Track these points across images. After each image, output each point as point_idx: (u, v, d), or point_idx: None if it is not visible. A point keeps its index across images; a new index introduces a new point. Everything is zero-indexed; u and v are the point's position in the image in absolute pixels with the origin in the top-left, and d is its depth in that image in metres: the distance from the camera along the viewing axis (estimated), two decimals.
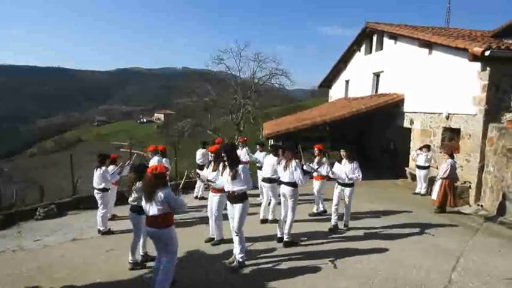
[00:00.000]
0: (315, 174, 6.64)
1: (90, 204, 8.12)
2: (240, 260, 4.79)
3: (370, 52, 14.86)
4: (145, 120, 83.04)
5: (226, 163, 4.81)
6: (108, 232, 6.60)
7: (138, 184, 4.81)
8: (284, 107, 37.65)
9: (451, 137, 9.68)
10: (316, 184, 7.28)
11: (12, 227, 7.30)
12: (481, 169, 8.31)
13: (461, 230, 6.58)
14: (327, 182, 7.21)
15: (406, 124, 11.67)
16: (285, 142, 9.91)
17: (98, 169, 6.63)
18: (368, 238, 5.97)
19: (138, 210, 4.82)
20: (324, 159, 6.99)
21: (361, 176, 6.12)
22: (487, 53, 7.57)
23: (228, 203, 4.95)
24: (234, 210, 4.80)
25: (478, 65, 8.25)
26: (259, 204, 7.42)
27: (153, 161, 7.80)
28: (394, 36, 12.58)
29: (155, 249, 4.28)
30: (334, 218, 6.42)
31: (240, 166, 4.74)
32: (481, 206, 8.16)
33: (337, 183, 6.41)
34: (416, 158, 9.77)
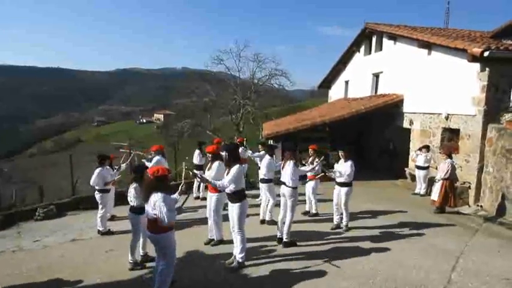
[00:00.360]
0: (308, 174, 6.72)
1: (89, 204, 8.14)
2: (240, 260, 4.79)
3: (370, 53, 14.87)
4: (144, 120, 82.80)
5: (227, 162, 4.80)
6: (108, 232, 6.60)
7: (135, 185, 4.81)
8: (284, 107, 37.57)
9: (451, 137, 9.69)
10: (309, 185, 7.28)
11: (12, 227, 7.30)
12: (480, 169, 8.33)
13: (460, 230, 6.59)
14: (326, 183, 7.21)
15: (406, 124, 11.67)
16: (284, 143, 9.93)
17: (98, 169, 6.66)
18: (367, 238, 5.97)
19: (137, 210, 4.84)
20: (317, 159, 6.89)
21: (351, 172, 6.15)
22: (486, 54, 7.59)
23: (229, 202, 4.96)
24: (233, 209, 4.82)
25: (477, 66, 8.27)
26: (259, 205, 7.42)
27: (154, 160, 7.81)
28: (394, 37, 12.58)
29: (155, 250, 4.28)
30: (335, 217, 6.48)
31: (237, 166, 4.69)
32: (481, 206, 8.17)
33: (335, 183, 6.46)
34: (416, 158, 9.78)
